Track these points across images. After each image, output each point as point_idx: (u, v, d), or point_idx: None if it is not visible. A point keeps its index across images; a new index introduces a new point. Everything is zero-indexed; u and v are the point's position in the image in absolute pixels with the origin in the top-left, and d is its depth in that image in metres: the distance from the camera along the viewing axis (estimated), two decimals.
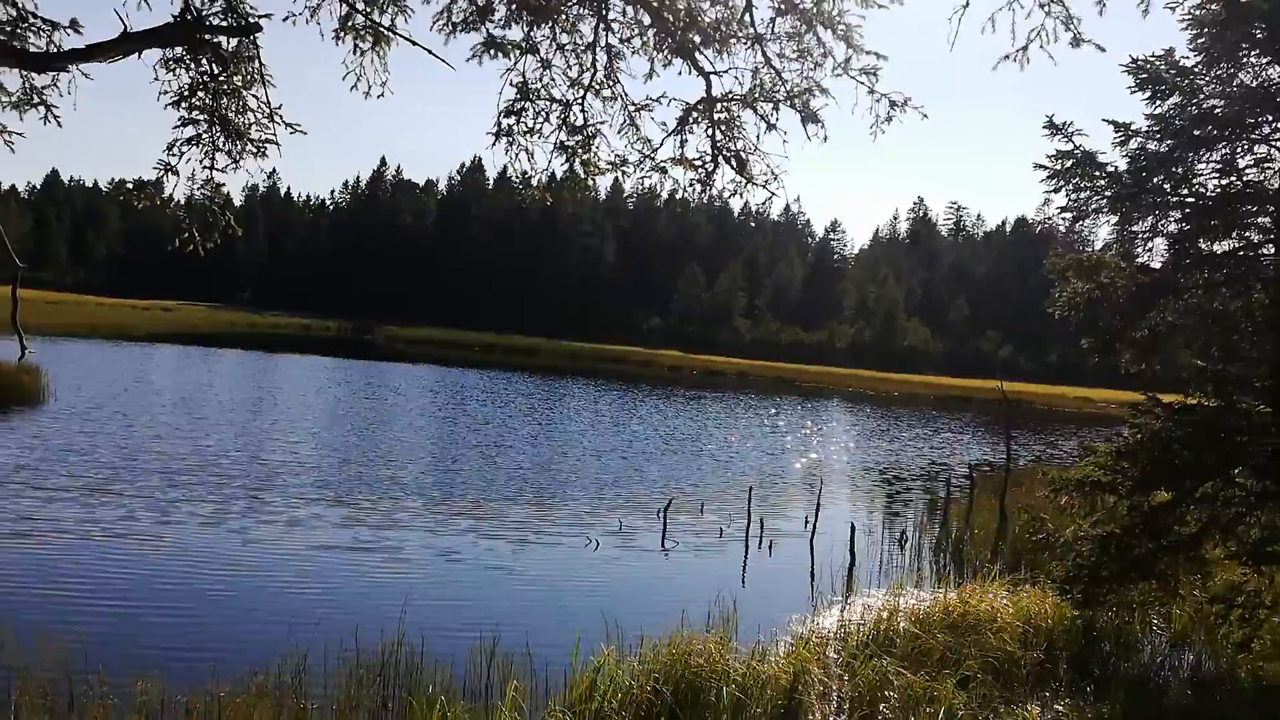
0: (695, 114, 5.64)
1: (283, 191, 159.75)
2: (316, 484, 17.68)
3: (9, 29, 5.06)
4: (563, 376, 60.24)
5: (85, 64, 4.82)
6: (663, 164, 5.89)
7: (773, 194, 5.80)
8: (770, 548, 15.87)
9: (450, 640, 9.36)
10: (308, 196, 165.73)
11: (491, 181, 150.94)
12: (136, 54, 4.92)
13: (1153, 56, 9.74)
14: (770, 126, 5.47)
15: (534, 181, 6.52)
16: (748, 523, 16.81)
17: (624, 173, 6.43)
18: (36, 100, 5.86)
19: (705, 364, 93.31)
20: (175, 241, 6.92)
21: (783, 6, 5.00)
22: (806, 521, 17.42)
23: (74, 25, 5.26)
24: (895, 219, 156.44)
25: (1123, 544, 9.86)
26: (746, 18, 5.01)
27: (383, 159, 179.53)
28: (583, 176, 6.43)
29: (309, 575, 11.91)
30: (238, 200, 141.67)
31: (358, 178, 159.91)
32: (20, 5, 5.19)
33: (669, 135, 5.77)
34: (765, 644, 9.00)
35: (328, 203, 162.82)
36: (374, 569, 12.37)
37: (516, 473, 21.11)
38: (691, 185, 5.91)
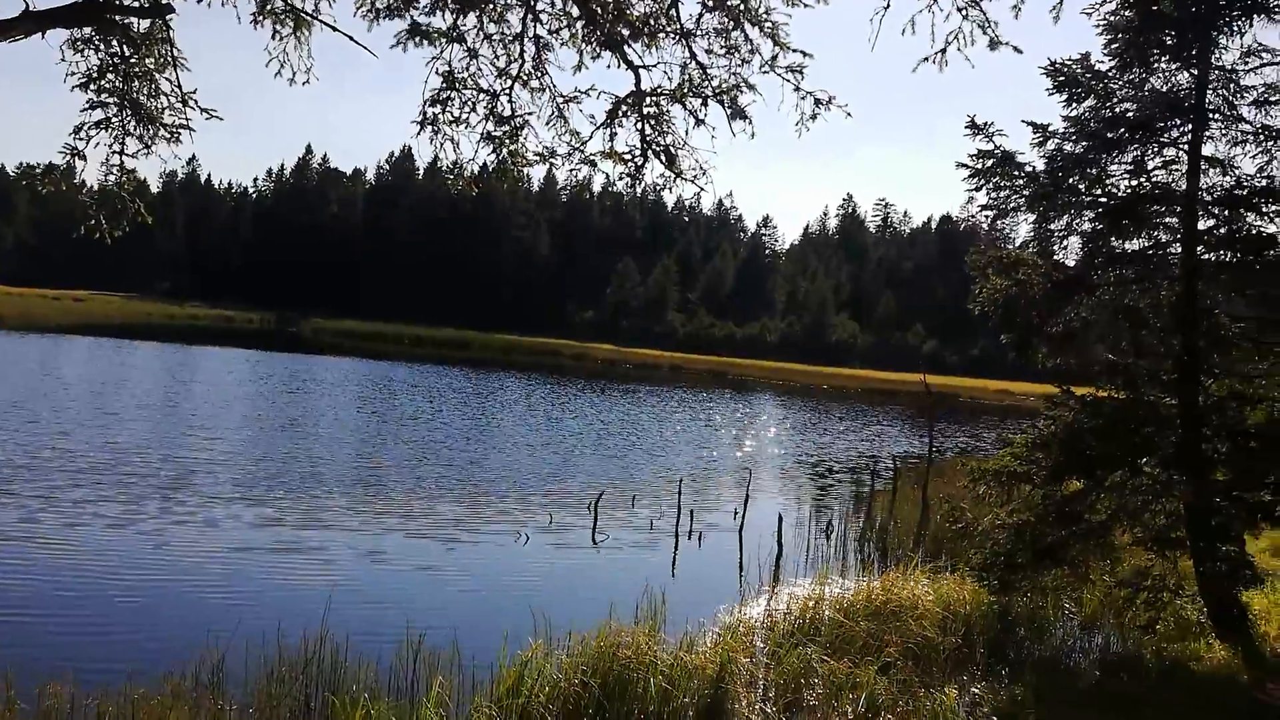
0: (624, 107, 5.63)
1: (203, 179, 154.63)
2: (235, 482, 17.19)
3: None
4: (495, 370, 59.74)
5: None
6: (592, 157, 5.87)
7: (701, 189, 5.84)
8: (700, 539, 16.00)
9: (375, 639, 9.21)
10: (229, 184, 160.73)
11: (421, 171, 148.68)
12: (40, 34, 4.69)
13: (1069, 60, 10.08)
14: (699, 122, 5.50)
15: (465, 171, 6.44)
16: (678, 515, 16.92)
17: (553, 165, 6.39)
18: None
19: (639, 357, 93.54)
20: (82, 229, 6.65)
21: (711, 3, 5.02)
22: (736, 513, 17.61)
23: None
24: (825, 215, 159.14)
25: (1036, 532, 10.23)
26: (674, 12, 5.02)
27: (308, 147, 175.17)
28: (510, 167, 6.37)
29: (227, 577, 11.57)
30: (155, 188, 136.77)
31: (282, 165, 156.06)
32: None
33: (598, 128, 5.76)
34: (693, 634, 9.07)
35: (250, 191, 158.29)
36: (296, 569, 12.08)
37: (446, 468, 20.88)
38: (621, 179, 5.92)
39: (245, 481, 17.19)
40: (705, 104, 5.43)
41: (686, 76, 5.36)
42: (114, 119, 6.10)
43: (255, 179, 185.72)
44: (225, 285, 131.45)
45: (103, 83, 5.75)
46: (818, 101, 5.20)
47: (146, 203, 6.82)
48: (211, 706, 7.05)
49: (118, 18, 5.23)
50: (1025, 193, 10.15)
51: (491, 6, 5.33)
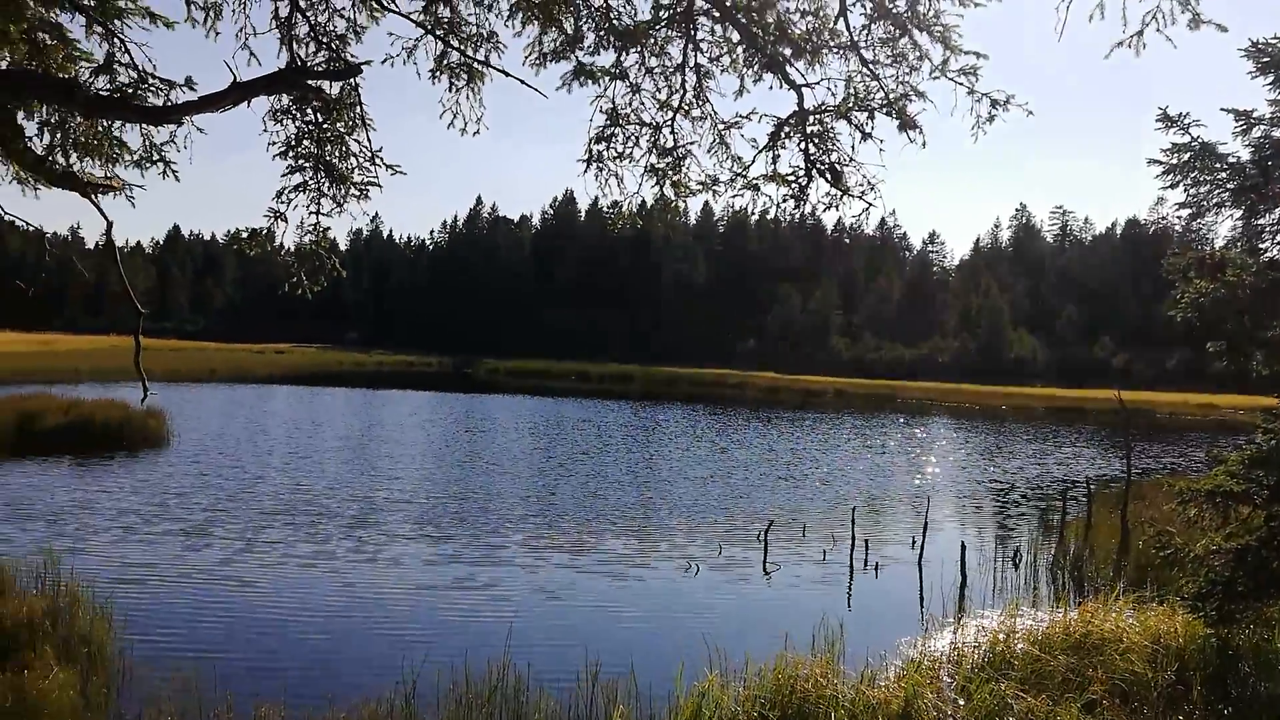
0: (787, 128, 5.57)
1: (385, 234, 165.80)
2: (416, 520, 18.13)
3: (131, 89, 5.39)
4: (658, 402, 60.35)
5: (199, 114, 5.10)
6: (755, 181, 5.84)
7: (870, 205, 5.68)
8: (876, 570, 15.44)
9: (555, 668, 9.41)
10: (408, 237, 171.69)
11: (584, 213, 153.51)
12: (246, 103, 5.18)
13: (1274, 38, 9.20)
14: (865, 136, 5.35)
15: (625, 208, 6.56)
16: (851, 545, 16.41)
17: (715, 192, 6.40)
18: (156, 156, 6.23)
19: (803, 384, 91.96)
20: (285, 286, 7.19)
21: (876, 13, 4.90)
22: (913, 542, 16.90)
23: (189, 83, 5.58)
24: (996, 227, 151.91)
25: (1259, 557, 9.22)
26: (840, 25, 4.93)
27: (479, 197, 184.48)
28: (674, 198, 6.44)
29: (414, 610, 12.10)
30: (343, 244, 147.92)
31: (455, 217, 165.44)
32: (140, 67, 5.53)
33: (760, 152, 5.71)
34: (874, 668, 8.74)
35: (427, 242, 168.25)
36: (477, 603, 12.52)
37: (616, 501, 21.18)
38: (785, 201, 5.85)
39: (426, 519, 18.05)
40: (872, 117, 5.29)
41: (852, 90, 5.25)
42: (310, 181, 6.61)
43: (431, 231, 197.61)
44: (406, 332, 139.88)
45: (299, 149, 6.27)
46: (994, 103, 4.96)
47: (339, 259, 7.33)
48: None
49: (313, 82, 5.70)
50: (1229, 186, 9.29)
51: (653, 41, 5.44)
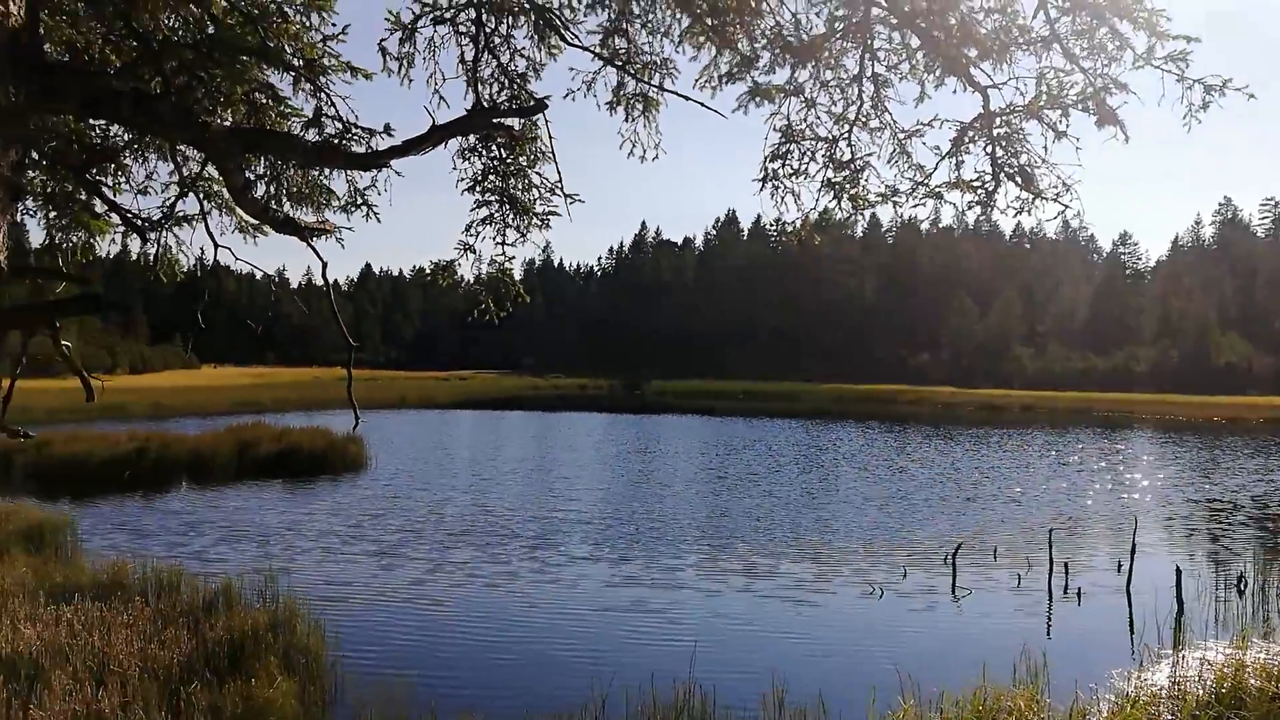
0: (971, 132, 5.35)
1: (555, 262, 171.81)
2: (594, 541, 18.54)
3: (337, 139, 5.86)
4: (830, 420, 59.10)
5: (401, 159, 5.47)
6: (938, 189, 5.64)
7: (1066, 206, 5.33)
8: (1078, 596, 14.40)
9: (739, 691, 9.32)
10: (577, 265, 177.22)
11: (745, 232, 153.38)
12: (443, 144, 5.52)
13: None
14: (1059, 135, 5.05)
15: (794, 224, 6.49)
16: (1050, 569, 15.41)
17: (895, 203, 6.23)
18: (360, 201, 6.73)
19: (984, 398, 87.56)
20: (474, 314, 7.56)
21: (1072, 4, 4.62)
22: (1119, 566, 15.68)
23: (387, 130, 6.00)
24: (1198, 224, 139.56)
25: None
26: (1039, 17, 4.66)
27: (643, 223, 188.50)
28: (851, 211, 6.31)
29: (597, 631, 12.27)
30: (518, 274, 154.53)
31: (620, 242, 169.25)
32: (344, 118, 5.99)
33: (943, 158, 5.51)
34: (1085, 702, 8.15)
35: (595, 269, 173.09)
36: (659, 624, 12.57)
37: (792, 522, 20.85)
38: (971, 208, 5.61)
39: (603, 540, 18.38)
40: (1065, 114, 4.98)
41: (1044, 88, 4.96)
42: (496, 214, 6.94)
43: (599, 257, 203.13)
44: (579, 356, 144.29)
45: (486, 183, 6.61)
46: (1208, 89, 4.55)
47: (521, 286, 7.63)
48: None
49: (500, 120, 6.01)
50: None
51: (828, 55, 5.38)
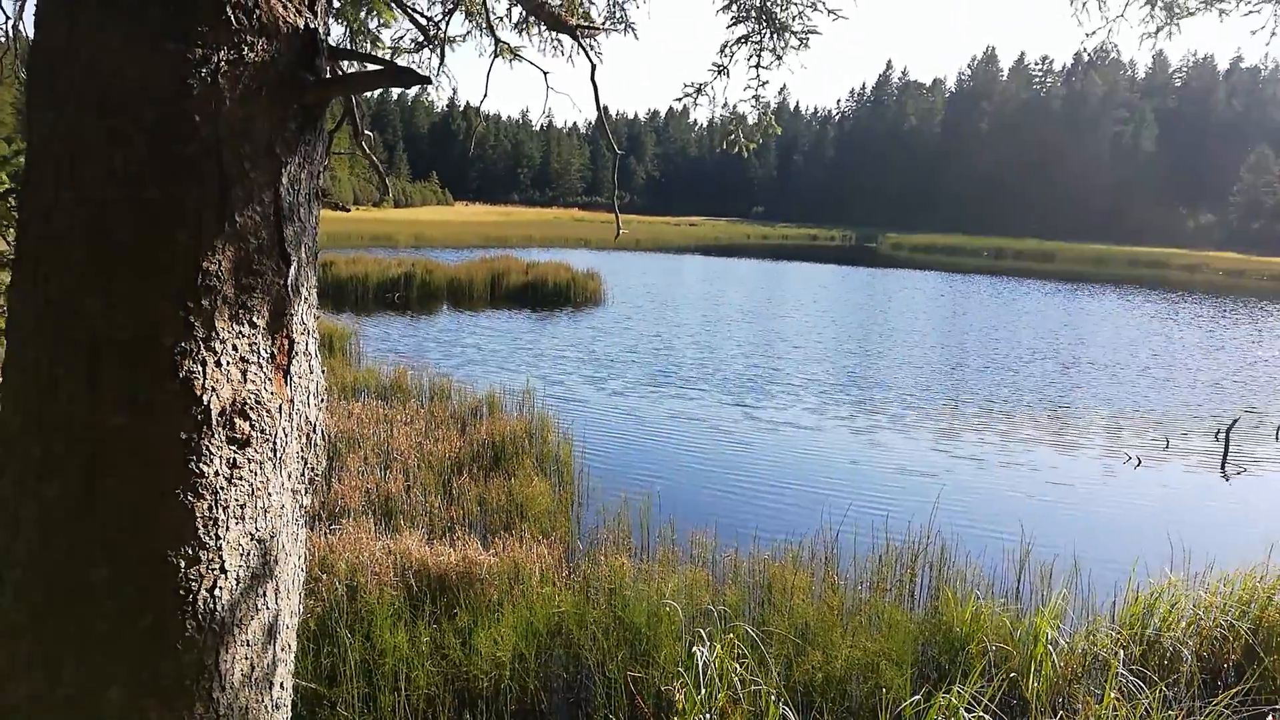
0: None
1: (791, 107, 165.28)
2: (834, 388, 18.41)
3: None
4: (1087, 284, 54.35)
5: None
6: None
7: None
8: None
9: (983, 543, 9.12)
10: (814, 109, 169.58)
11: (1005, 72, 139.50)
12: None
13: None
14: None
15: (1085, 46, 5.68)
16: None
17: (1221, 11, 5.26)
18: (619, 15, 6.61)
19: (1278, 268, 76.72)
20: (724, 144, 7.38)
21: None
22: None
23: None
24: None
25: None
26: None
27: (888, 62, 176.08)
28: (1165, 22, 5.41)
29: (834, 474, 12.35)
30: (751, 120, 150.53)
31: (863, 85, 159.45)
32: None
33: None
34: None
35: (834, 114, 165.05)
36: (897, 474, 12.44)
37: (1035, 384, 19.68)
38: None
39: (841, 393, 18.27)
40: None
41: None
42: (752, 34, 6.60)
43: (838, 100, 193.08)
44: (811, 206, 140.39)
45: (743, 1, 6.27)
46: None
47: (773, 118, 7.31)
48: (828, 576, 7.65)
49: None
50: None
51: None
